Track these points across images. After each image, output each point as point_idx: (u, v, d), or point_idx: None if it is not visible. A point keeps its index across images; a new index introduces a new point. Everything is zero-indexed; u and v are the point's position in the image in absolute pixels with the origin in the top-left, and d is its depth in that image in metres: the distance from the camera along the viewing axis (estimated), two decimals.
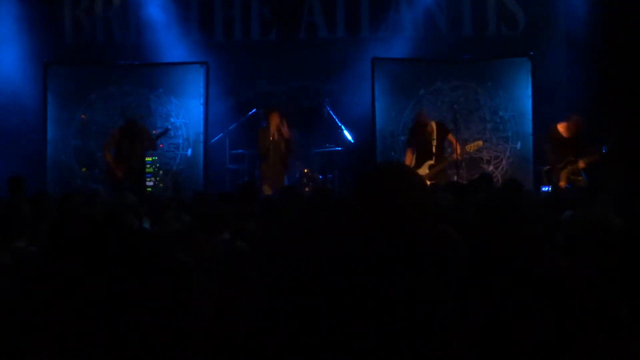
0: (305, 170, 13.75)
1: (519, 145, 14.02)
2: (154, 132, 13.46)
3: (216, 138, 14.51)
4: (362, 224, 2.16)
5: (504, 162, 14.07)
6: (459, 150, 12.56)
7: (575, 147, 12.11)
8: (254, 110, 14.57)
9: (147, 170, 13.83)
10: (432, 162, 12.48)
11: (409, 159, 12.73)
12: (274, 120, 13.31)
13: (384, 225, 2.12)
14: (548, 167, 12.51)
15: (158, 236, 5.39)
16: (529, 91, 13.88)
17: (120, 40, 15.21)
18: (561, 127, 12.33)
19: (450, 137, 12.67)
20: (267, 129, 13.32)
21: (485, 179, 11.00)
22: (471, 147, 12.74)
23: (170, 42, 15.05)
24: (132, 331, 3.27)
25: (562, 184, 12.15)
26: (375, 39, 15.07)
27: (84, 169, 13.62)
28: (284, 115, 13.39)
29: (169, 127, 13.88)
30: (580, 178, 12.08)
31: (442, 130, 12.70)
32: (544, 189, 12.17)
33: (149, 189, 13.41)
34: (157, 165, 14.13)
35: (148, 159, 13.88)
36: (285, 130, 13.26)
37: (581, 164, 12.03)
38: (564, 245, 3.51)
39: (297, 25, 15.25)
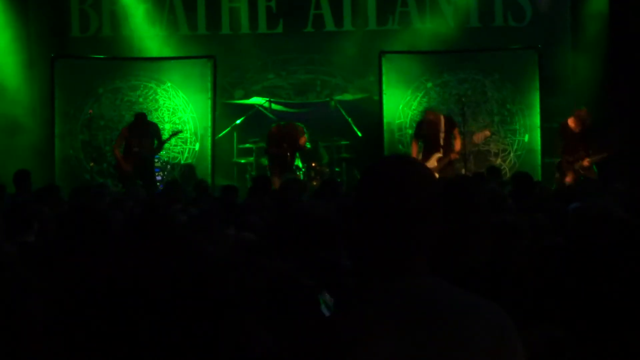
0: (313, 164, 13.76)
1: (526, 138, 14.01)
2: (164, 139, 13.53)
3: (223, 132, 14.53)
4: (364, 219, 2.13)
5: (511, 154, 14.05)
6: (457, 147, 12.49)
7: (585, 141, 12.06)
8: (261, 103, 14.60)
9: (155, 165, 13.85)
10: (440, 154, 12.43)
11: (415, 151, 12.70)
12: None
13: (389, 219, 2.10)
14: (561, 159, 12.43)
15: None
16: (536, 83, 13.86)
17: (127, 34, 15.20)
18: (570, 122, 12.29)
19: (456, 132, 12.63)
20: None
21: (493, 172, 11.01)
22: (479, 137, 12.70)
23: (178, 36, 15.06)
24: (139, 329, 3.25)
25: (569, 179, 12.10)
26: (382, 32, 15.04)
27: (91, 164, 13.63)
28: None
29: (180, 129, 13.95)
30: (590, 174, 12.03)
31: (450, 124, 12.65)
32: None
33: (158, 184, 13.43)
34: (165, 159, 14.15)
35: None
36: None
37: (585, 162, 11.99)
38: (570, 236, 3.51)
39: (304, 18, 15.21)
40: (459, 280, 2.09)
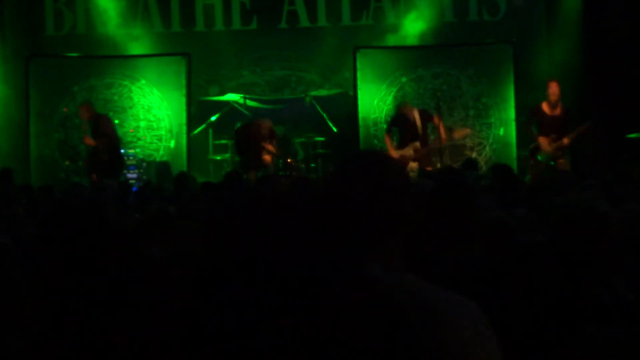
0: (289, 160, 13.74)
1: (501, 131, 14.06)
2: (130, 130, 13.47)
3: (199, 129, 14.50)
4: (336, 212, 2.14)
5: (487, 148, 14.11)
6: (443, 134, 12.51)
7: (558, 123, 12.06)
8: (236, 100, 14.59)
9: (130, 162, 13.80)
10: (417, 144, 12.47)
11: (389, 143, 12.73)
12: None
13: (359, 213, 2.10)
14: (533, 145, 12.39)
15: (126, 230, 5.34)
16: (511, 77, 13.92)
17: (102, 32, 15.11)
18: (544, 105, 12.28)
19: (436, 120, 12.64)
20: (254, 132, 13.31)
21: (470, 165, 11.03)
22: (459, 133, 12.76)
23: (152, 33, 15.00)
24: (105, 330, 3.22)
25: (546, 148, 12.04)
26: (357, 27, 15.06)
27: (66, 162, 13.55)
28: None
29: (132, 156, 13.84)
30: (561, 161, 12.03)
31: (425, 117, 12.70)
32: None
33: (132, 182, 13.33)
34: (141, 157, 14.09)
35: (130, 151, 13.85)
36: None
37: (566, 141, 11.98)
38: (553, 230, 3.52)
39: (279, 14, 15.20)
40: (451, 276, 2.10)
